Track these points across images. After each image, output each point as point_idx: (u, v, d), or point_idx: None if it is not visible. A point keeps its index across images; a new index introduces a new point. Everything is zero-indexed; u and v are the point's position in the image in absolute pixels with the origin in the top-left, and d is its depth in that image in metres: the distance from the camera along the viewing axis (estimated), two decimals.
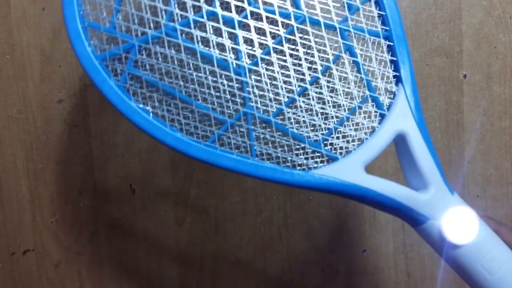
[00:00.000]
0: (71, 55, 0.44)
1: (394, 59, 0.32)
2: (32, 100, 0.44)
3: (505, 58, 0.44)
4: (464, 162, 0.44)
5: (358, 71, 0.33)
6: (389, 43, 0.33)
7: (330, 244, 0.45)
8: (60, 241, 0.46)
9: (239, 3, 0.31)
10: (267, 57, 0.32)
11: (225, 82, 0.31)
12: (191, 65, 0.30)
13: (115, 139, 0.45)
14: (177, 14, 0.30)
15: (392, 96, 0.33)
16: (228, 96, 0.31)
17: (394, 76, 0.33)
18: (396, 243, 0.45)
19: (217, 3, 0.31)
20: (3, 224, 0.46)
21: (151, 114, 0.30)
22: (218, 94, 0.31)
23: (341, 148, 0.32)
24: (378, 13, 0.33)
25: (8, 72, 0.44)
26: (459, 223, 0.30)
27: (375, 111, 0.33)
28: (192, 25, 0.30)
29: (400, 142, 0.32)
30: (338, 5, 0.33)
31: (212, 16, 0.30)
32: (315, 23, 0.32)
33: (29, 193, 0.45)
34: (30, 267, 0.46)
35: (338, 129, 0.33)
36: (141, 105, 0.30)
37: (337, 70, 0.32)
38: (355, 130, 0.33)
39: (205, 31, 0.30)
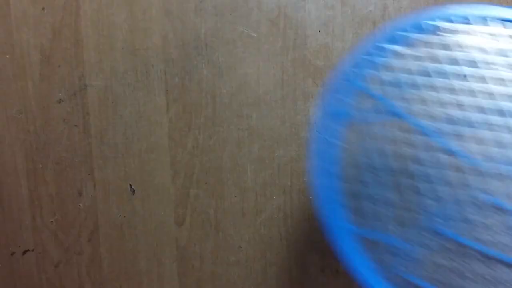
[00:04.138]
0: (70, 55, 0.44)
1: None
2: (32, 100, 0.44)
3: None
4: None
5: None
6: None
7: (330, 244, 0.45)
8: (60, 241, 0.46)
9: None
10: None
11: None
12: (466, 274, 0.29)
13: (115, 139, 0.45)
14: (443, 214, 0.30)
15: None
16: None
17: None
18: None
19: None
20: (3, 224, 0.46)
21: None
22: None
23: None
24: None
25: (8, 72, 0.44)
26: None
27: None
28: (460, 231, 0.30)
29: None
30: None
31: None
32: None
33: (29, 193, 0.45)
34: (30, 267, 0.46)
35: None
36: None
37: None
38: None
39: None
